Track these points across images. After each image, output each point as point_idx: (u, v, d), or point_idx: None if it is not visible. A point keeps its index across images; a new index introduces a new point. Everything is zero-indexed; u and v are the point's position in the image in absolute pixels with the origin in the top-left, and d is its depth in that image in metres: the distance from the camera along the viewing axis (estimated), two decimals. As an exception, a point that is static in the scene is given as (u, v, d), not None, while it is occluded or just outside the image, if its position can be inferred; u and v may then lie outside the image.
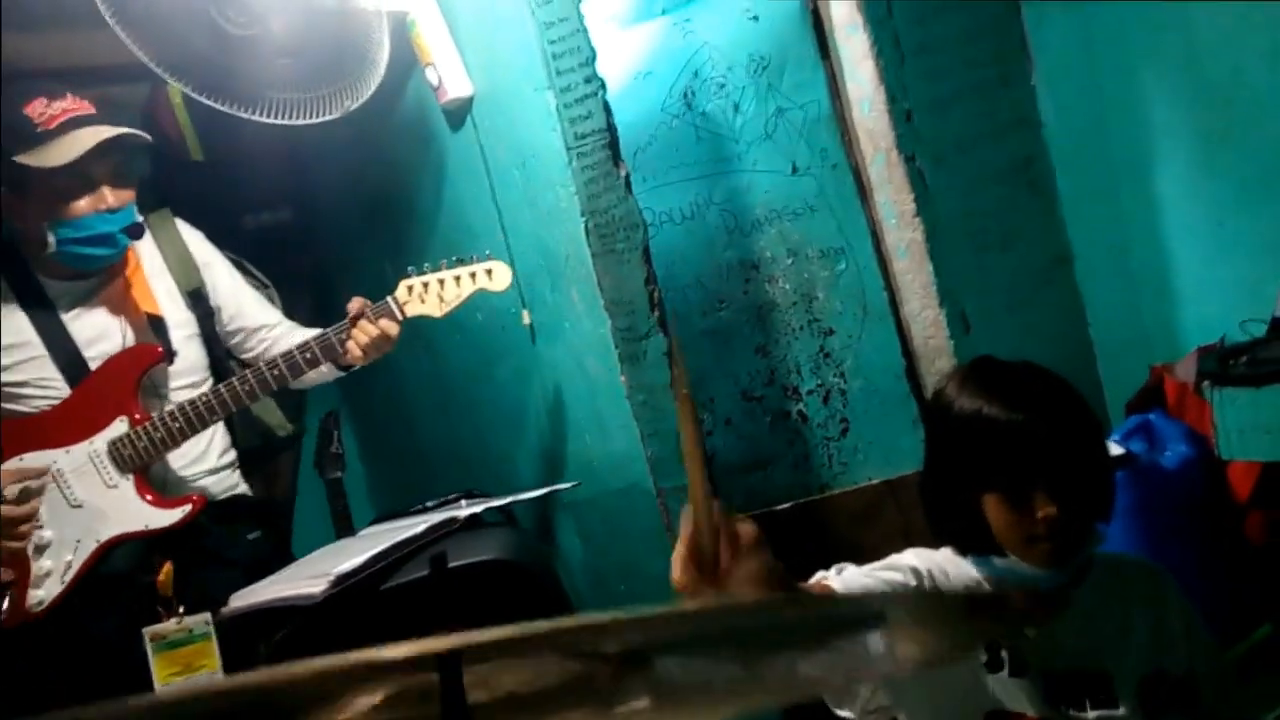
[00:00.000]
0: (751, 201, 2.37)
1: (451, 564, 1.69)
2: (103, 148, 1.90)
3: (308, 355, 1.96)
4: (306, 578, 1.78)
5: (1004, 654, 1.30)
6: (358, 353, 1.97)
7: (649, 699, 0.84)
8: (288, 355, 1.96)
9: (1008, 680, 1.29)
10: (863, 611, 0.83)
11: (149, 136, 2.00)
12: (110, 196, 1.93)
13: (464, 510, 1.88)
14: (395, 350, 2.12)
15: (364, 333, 1.95)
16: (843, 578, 1.28)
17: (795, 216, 2.37)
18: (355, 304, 1.97)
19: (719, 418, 2.39)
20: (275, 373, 1.96)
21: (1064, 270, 2.37)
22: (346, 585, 1.71)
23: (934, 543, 1.37)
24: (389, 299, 1.98)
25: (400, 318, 1.97)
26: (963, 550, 1.34)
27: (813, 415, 2.41)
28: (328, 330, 1.97)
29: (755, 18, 2.35)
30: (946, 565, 1.34)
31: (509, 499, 1.94)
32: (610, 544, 2.12)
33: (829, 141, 2.36)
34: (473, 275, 1.98)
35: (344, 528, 2.26)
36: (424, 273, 1.98)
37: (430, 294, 1.97)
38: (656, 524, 1.98)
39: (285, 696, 0.71)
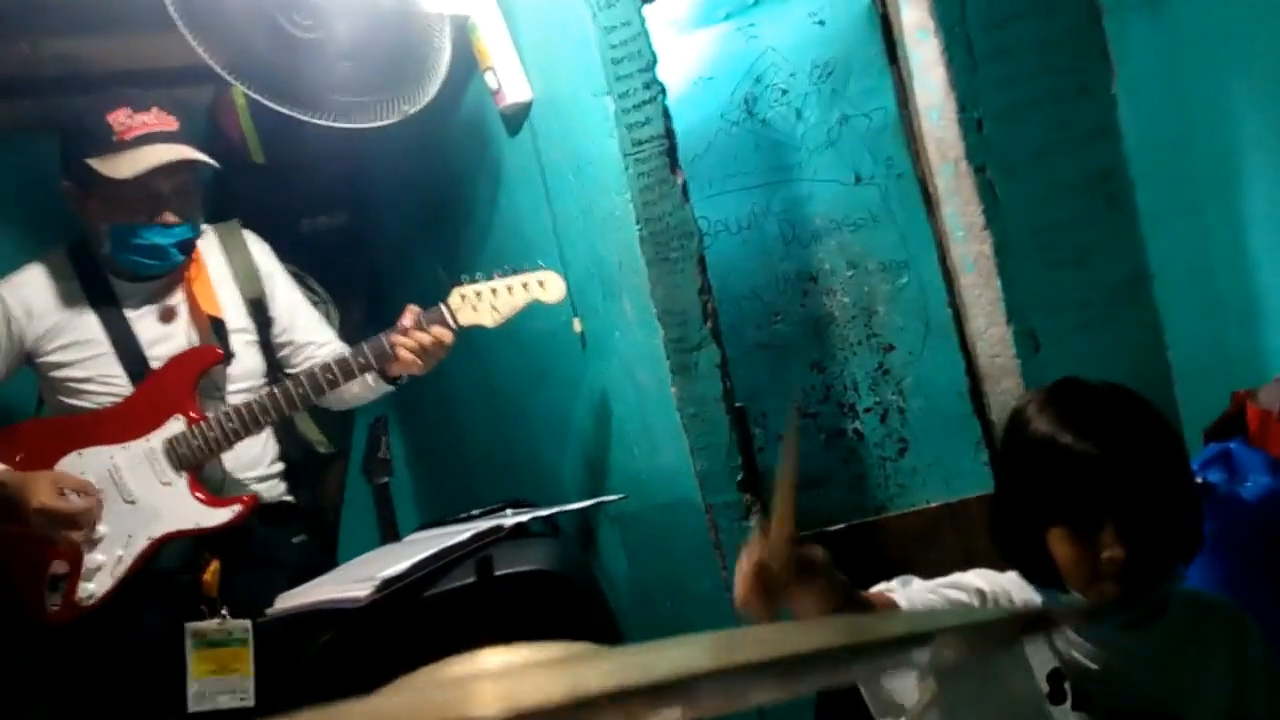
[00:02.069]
0: (811, 211, 2.31)
1: (496, 572, 1.67)
2: (171, 166, 1.94)
3: (361, 360, 1.97)
4: (352, 581, 1.77)
5: (1067, 686, 1.23)
6: (409, 360, 1.95)
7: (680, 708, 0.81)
8: (341, 360, 1.97)
9: (1070, 714, 1.23)
10: (915, 635, 0.79)
11: (215, 163, 2.03)
12: (168, 211, 1.97)
13: (509, 519, 1.85)
14: (447, 358, 2.11)
15: (416, 341, 1.95)
16: (907, 592, 1.23)
17: (856, 227, 2.30)
18: (409, 312, 1.97)
19: (771, 434, 2.32)
20: (329, 376, 1.97)
21: (1142, 289, 2.26)
22: (392, 590, 1.69)
23: (998, 566, 1.31)
24: (441, 306, 1.97)
25: (454, 325, 1.96)
26: (1028, 579, 1.28)
27: (870, 434, 2.33)
28: (380, 336, 1.97)
29: (821, 22, 2.29)
30: (1012, 589, 1.28)
31: (554, 509, 1.91)
32: (656, 560, 2.07)
33: (895, 150, 2.28)
34: (525, 285, 1.97)
35: (390, 533, 2.26)
36: (476, 281, 1.96)
37: (483, 303, 1.96)
38: (704, 541, 1.92)
39: None
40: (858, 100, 2.29)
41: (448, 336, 1.96)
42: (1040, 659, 1.24)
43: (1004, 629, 0.83)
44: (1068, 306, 2.23)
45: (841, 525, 2.29)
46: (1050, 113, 2.22)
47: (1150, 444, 1.20)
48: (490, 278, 1.97)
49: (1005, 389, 2.21)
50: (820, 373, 2.34)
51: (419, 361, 1.97)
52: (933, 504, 2.29)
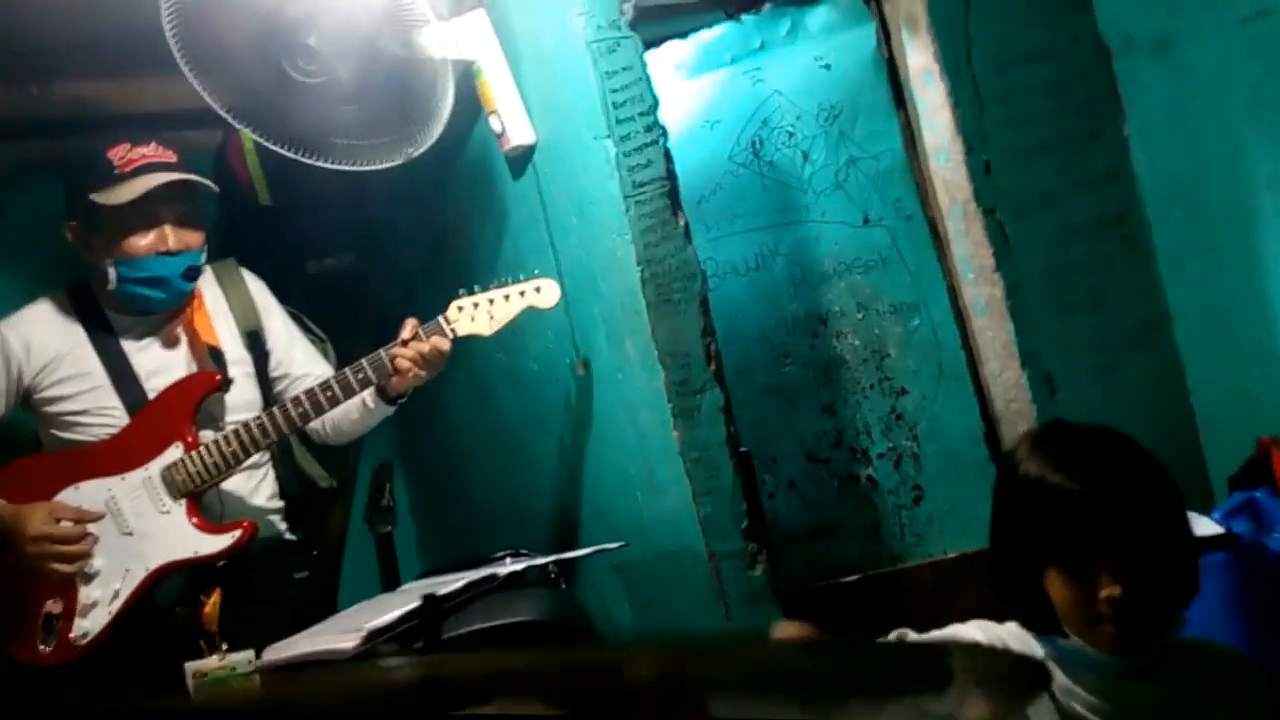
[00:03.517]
0: (820, 253, 2.29)
1: (483, 625, 1.62)
2: (170, 194, 1.96)
3: (360, 375, 1.96)
4: (340, 632, 1.73)
5: None
6: (408, 369, 1.94)
7: None
8: (341, 375, 1.96)
9: None
10: (933, 672, 0.76)
11: (214, 186, 2.05)
12: (172, 239, 1.98)
13: (505, 568, 1.81)
14: (449, 401, 2.09)
15: (415, 349, 1.94)
16: None
17: (866, 269, 2.28)
18: (408, 325, 1.96)
19: (782, 479, 2.27)
20: (329, 394, 1.95)
21: (1161, 332, 2.22)
22: (379, 641, 1.65)
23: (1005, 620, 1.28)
24: (439, 318, 1.97)
25: (450, 335, 1.95)
26: (1028, 626, 1.25)
27: (883, 480, 2.27)
28: (378, 351, 1.96)
29: (827, 66, 2.29)
30: (1011, 640, 1.25)
31: (553, 558, 1.86)
32: (659, 609, 2.02)
33: (903, 192, 2.26)
34: (521, 293, 1.96)
35: (391, 583, 2.21)
36: (474, 293, 1.97)
37: (480, 313, 1.96)
38: (708, 589, 1.87)
39: None
40: (865, 143, 2.28)
41: (445, 345, 1.95)
42: (1040, 710, 1.20)
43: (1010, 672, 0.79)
44: (1084, 350, 2.18)
45: (856, 576, 2.23)
46: (1061, 155, 2.21)
47: (1141, 483, 1.18)
48: (487, 288, 1.97)
49: (1021, 434, 2.16)
50: (831, 416, 2.29)
51: (418, 372, 1.95)
52: (950, 554, 2.23)
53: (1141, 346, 2.20)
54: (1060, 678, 1.22)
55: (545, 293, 1.95)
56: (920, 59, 2.21)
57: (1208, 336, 2.17)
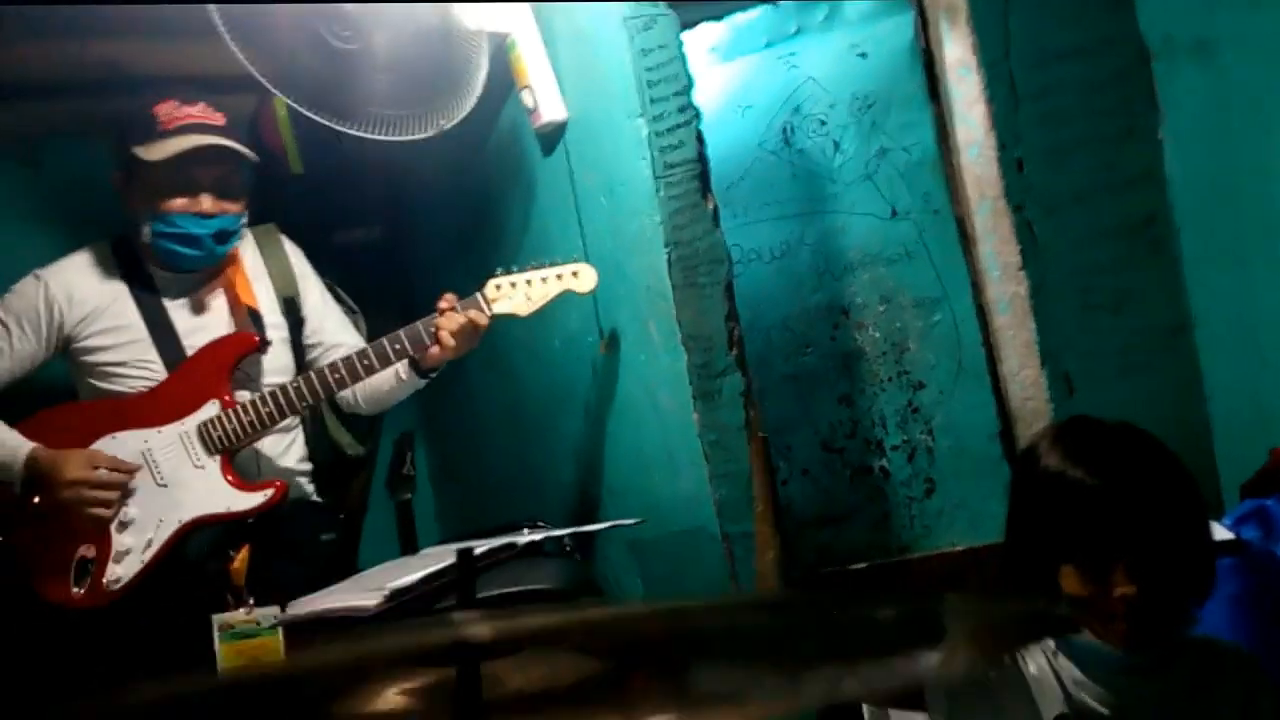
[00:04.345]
0: (845, 244, 2.29)
1: (500, 590, 1.66)
2: (208, 156, 1.98)
3: (397, 346, 1.98)
4: (363, 590, 1.76)
5: None
6: (446, 340, 1.96)
7: (673, 714, 0.81)
8: (377, 345, 1.99)
9: None
10: (923, 631, 0.79)
11: (254, 155, 2.06)
12: (206, 201, 2.00)
13: (522, 538, 1.84)
14: (473, 374, 2.11)
15: (452, 321, 1.96)
16: None
17: (891, 262, 2.28)
18: (445, 300, 1.99)
19: (796, 466, 2.29)
20: (365, 362, 1.98)
21: (1182, 338, 2.21)
22: (401, 601, 1.69)
23: None
24: (477, 294, 2.00)
25: (488, 312, 1.97)
26: None
27: (896, 472, 2.29)
28: (416, 323, 1.99)
29: (863, 55, 2.28)
30: None
31: (569, 530, 1.89)
32: (671, 587, 2.04)
33: (932, 186, 2.26)
34: (559, 276, 1.99)
35: (410, 549, 2.24)
36: (512, 272, 1.99)
37: (517, 292, 1.99)
38: (721, 570, 1.89)
39: (316, 682, 0.74)
40: (897, 134, 2.27)
41: (482, 320, 1.98)
42: (1048, 701, 1.22)
43: (1011, 631, 0.81)
44: (1105, 352, 2.18)
45: (864, 564, 2.25)
46: (1094, 155, 2.19)
47: (1162, 481, 1.19)
48: (525, 269, 1.99)
49: (1041, 428, 2.16)
50: (848, 407, 2.30)
51: (454, 344, 1.97)
52: (958, 547, 2.25)
53: (1162, 351, 2.20)
54: (1071, 669, 1.23)
55: (583, 277, 1.98)
56: (957, 51, 2.20)
57: (1229, 345, 2.17)
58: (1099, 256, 2.18)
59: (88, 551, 1.94)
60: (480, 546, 1.78)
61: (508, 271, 2.00)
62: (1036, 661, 1.27)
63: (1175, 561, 1.17)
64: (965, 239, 2.27)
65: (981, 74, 2.16)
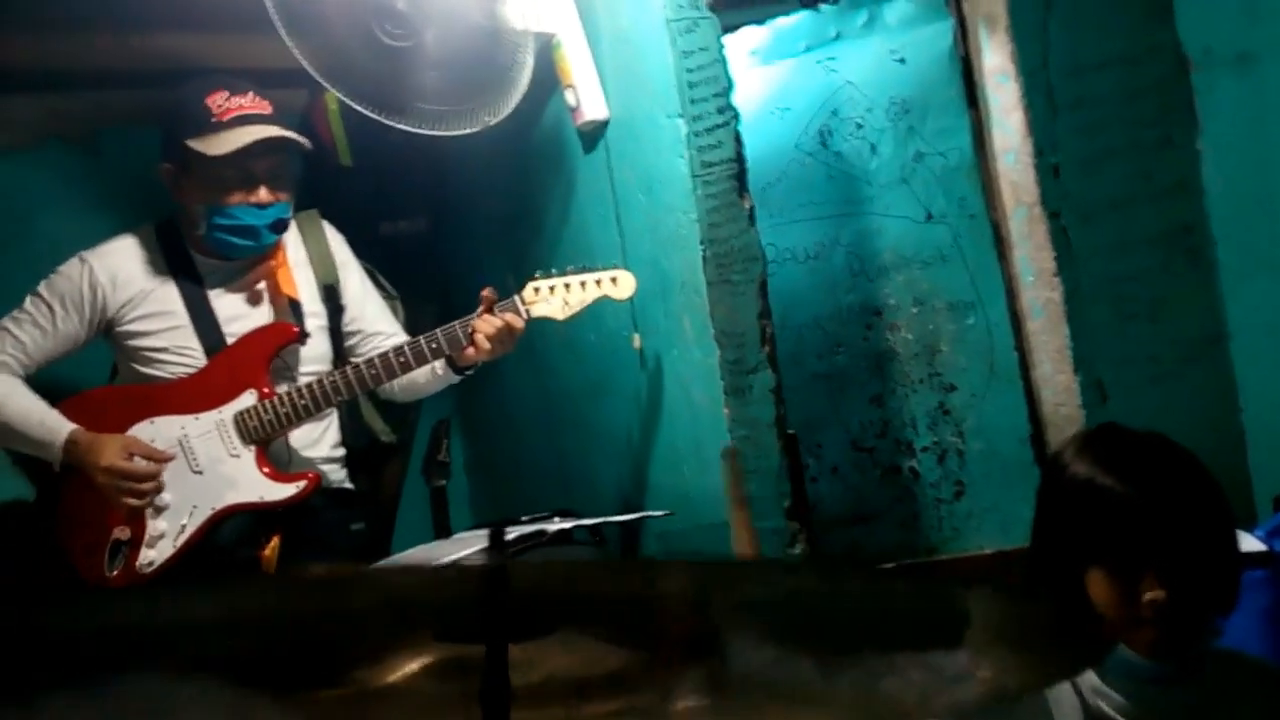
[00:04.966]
0: (880, 246, 2.31)
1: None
2: (264, 146, 2.01)
3: (434, 345, 2.00)
4: (395, 573, 1.80)
5: None
6: (482, 343, 1.98)
7: (708, 698, 0.81)
8: (414, 343, 2.00)
9: None
10: (954, 622, 0.78)
11: (308, 143, 2.11)
12: (264, 192, 2.02)
13: (553, 526, 1.87)
14: (508, 364, 2.14)
15: (489, 324, 1.98)
16: None
17: (925, 265, 2.29)
18: (484, 300, 2.00)
19: (825, 465, 2.31)
20: (401, 360, 2.00)
21: (1217, 348, 2.20)
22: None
23: None
24: (515, 297, 2.01)
25: (525, 316, 1.99)
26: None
27: (925, 474, 2.30)
28: (454, 323, 2.01)
29: (902, 60, 2.30)
30: None
31: (599, 520, 1.92)
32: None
33: (968, 191, 2.27)
34: (598, 281, 1.99)
35: (443, 534, 2.29)
36: (550, 275, 2.00)
37: (555, 297, 1.99)
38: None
39: (338, 645, 0.73)
40: (934, 139, 2.29)
41: (519, 323, 1.99)
42: (1064, 710, 1.22)
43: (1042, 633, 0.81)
44: (1138, 360, 2.18)
45: (891, 565, 2.26)
46: (1131, 164, 2.20)
47: (1192, 490, 1.19)
48: (564, 273, 2.00)
49: (1071, 435, 2.17)
50: (879, 407, 2.32)
51: (489, 348, 1.99)
52: (986, 550, 2.25)
53: (1197, 361, 2.19)
54: (1090, 677, 1.23)
55: (621, 284, 1.98)
56: (996, 59, 2.22)
57: (1265, 356, 2.16)
58: (1134, 264, 2.19)
59: (122, 534, 1.98)
60: (511, 533, 1.82)
61: (546, 274, 2.00)
62: None
63: (1203, 569, 1.17)
64: (1000, 244, 2.28)
65: (1020, 81, 2.17)
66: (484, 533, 2.00)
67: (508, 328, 1.98)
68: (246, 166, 2.01)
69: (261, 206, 2.03)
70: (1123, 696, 1.22)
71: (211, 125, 1.99)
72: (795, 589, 0.74)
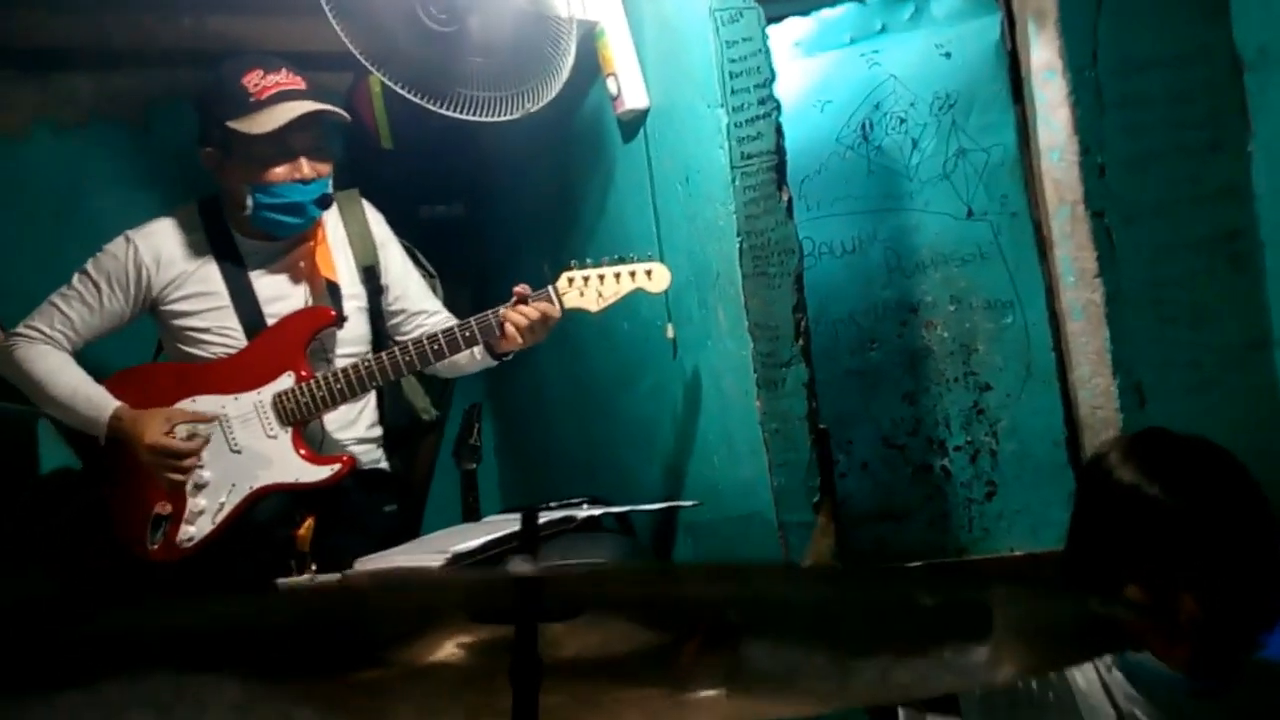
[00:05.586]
0: (918, 242, 2.29)
1: (558, 562, 1.70)
2: (303, 122, 2.03)
3: (467, 333, 2.02)
4: (428, 552, 1.83)
5: None
6: (514, 334, 2.00)
7: (724, 688, 0.82)
8: (448, 331, 2.03)
9: None
10: (972, 622, 0.78)
11: (348, 115, 2.13)
12: (306, 167, 2.05)
13: (582, 512, 1.89)
14: (541, 351, 2.16)
15: (523, 315, 1.99)
16: None
17: (964, 262, 2.27)
18: (520, 289, 2.02)
19: (855, 461, 2.30)
20: (435, 347, 2.02)
21: (1261, 356, 2.16)
22: (462, 564, 1.75)
23: None
24: (549, 288, 2.02)
25: (559, 307, 2.00)
26: None
27: (957, 473, 2.28)
28: (488, 312, 2.02)
29: (948, 54, 2.28)
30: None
31: (628, 508, 1.93)
32: (724, 571, 2.07)
33: (1010, 188, 2.25)
34: (632, 274, 2.00)
35: (472, 517, 2.31)
36: (586, 266, 2.01)
37: (589, 288, 2.00)
38: (775, 558, 1.92)
39: (376, 627, 0.75)
40: (977, 135, 2.27)
41: (554, 313, 2.00)
42: (1097, 711, 1.20)
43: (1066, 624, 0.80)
44: (1179, 365, 2.15)
45: (919, 563, 2.25)
46: (1178, 165, 2.16)
47: (1238, 504, 1.16)
48: (599, 264, 2.00)
49: (1112, 438, 2.14)
50: (912, 405, 2.30)
51: (520, 340, 2.00)
52: (1016, 552, 2.23)
53: (1239, 368, 2.15)
54: (1125, 688, 1.21)
55: (656, 277, 1.99)
56: (1044, 54, 2.19)
57: (1312, 365, 2.12)
58: (1178, 268, 2.15)
59: (164, 509, 2.03)
60: (541, 517, 1.83)
61: (581, 265, 2.00)
62: (1086, 674, 1.23)
63: (1247, 584, 1.14)
64: (1041, 243, 2.25)
65: (1067, 78, 2.14)
66: (513, 516, 2.03)
67: (541, 319, 1.99)
68: (288, 143, 2.03)
69: (305, 182, 2.05)
70: (1157, 708, 1.20)
71: (251, 105, 2.02)
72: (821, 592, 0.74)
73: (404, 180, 2.52)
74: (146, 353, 2.23)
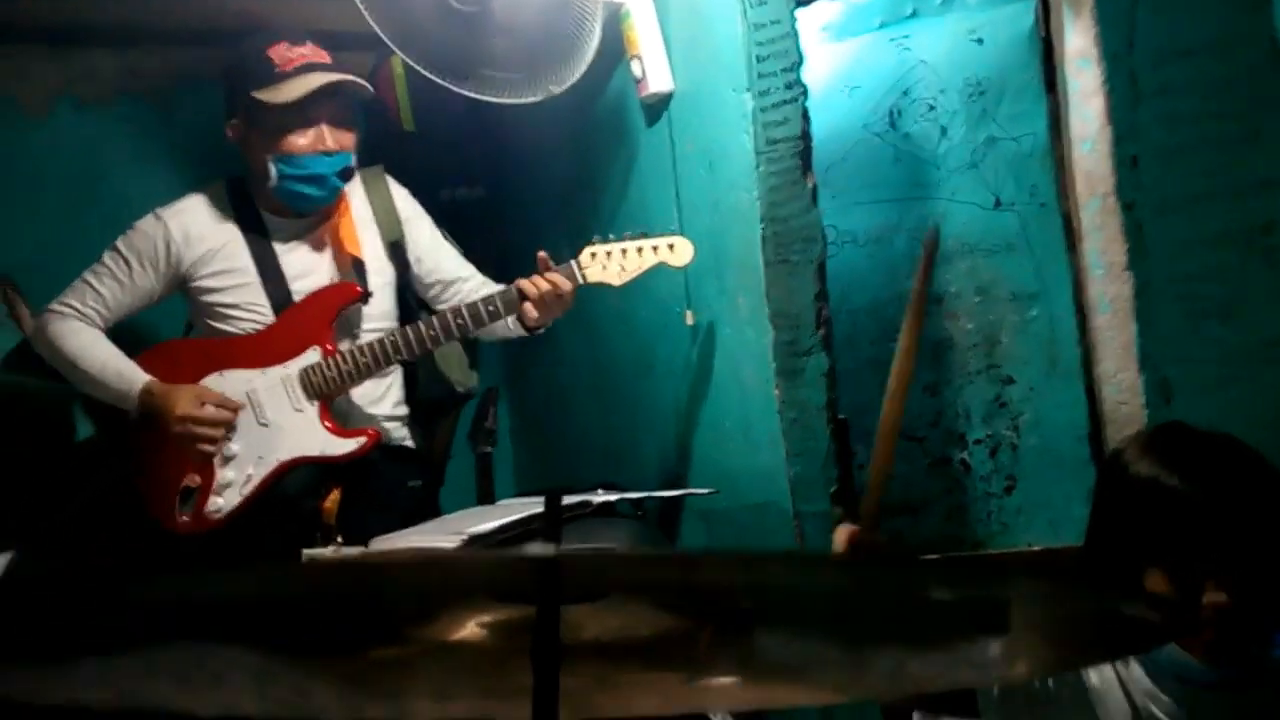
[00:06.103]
0: (944, 232, 2.25)
1: (575, 546, 1.70)
2: (327, 91, 2.04)
3: (491, 308, 2.04)
4: (443, 534, 1.84)
5: None
6: (529, 309, 2.01)
7: (738, 676, 0.82)
8: (472, 306, 2.05)
9: None
10: (988, 616, 0.78)
11: (370, 87, 2.13)
12: (329, 138, 2.07)
13: (598, 497, 1.88)
14: (559, 336, 2.15)
15: (534, 286, 2.00)
16: None
17: (990, 253, 2.24)
18: (541, 257, 2.03)
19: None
20: (459, 321, 2.04)
21: (1292, 352, 2.13)
22: (479, 547, 1.75)
23: None
24: (571, 262, 2.03)
25: (580, 280, 2.01)
26: None
27: (977, 466, 2.26)
28: (511, 286, 2.04)
29: (980, 40, 2.24)
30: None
31: (643, 494, 1.92)
32: (740, 560, 2.06)
33: (1040, 178, 2.21)
34: (655, 248, 2.01)
35: (486, 501, 2.32)
36: (608, 241, 2.01)
37: (612, 262, 2.01)
38: (790, 546, 1.91)
39: (398, 604, 0.75)
40: (1008, 123, 2.23)
41: (565, 285, 2.01)
42: (1112, 715, 1.19)
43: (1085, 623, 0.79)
44: (1207, 360, 2.11)
45: (936, 556, 2.23)
46: (1214, 156, 2.12)
47: (1259, 493, 1.16)
48: (621, 239, 2.01)
49: (1133, 432, 2.11)
50: (933, 397, 2.28)
51: (535, 315, 2.02)
52: (1035, 547, 2.21)
53: (1268, 364, 2.12)
54: (1142, 680, 1.21)
55: (678, 251, 1.99)
56: (1079, 42, 2.14)
57: (1344, 363, 2.08)
58: (1209, 262, 2.11)
59: (192, 481, 2.06)
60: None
61: (604, 240, 2.02)
62: (1101, 671, 1.23)
63: (1268, 575, 1.14)
64: (1070, 234, 2.21)
65: (1102, 66, 2.09)
66: (529, 500, 2.03)
67: (554, 290, 2.00)
68: (310, 112, 2.05)
69: (329, 154, 2.07)
70: (1175, 701, 1.20)
71: (276, 75, 2.04)
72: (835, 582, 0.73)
73: (426, 163, 2.51)
74: (178, 329, 2.25)
